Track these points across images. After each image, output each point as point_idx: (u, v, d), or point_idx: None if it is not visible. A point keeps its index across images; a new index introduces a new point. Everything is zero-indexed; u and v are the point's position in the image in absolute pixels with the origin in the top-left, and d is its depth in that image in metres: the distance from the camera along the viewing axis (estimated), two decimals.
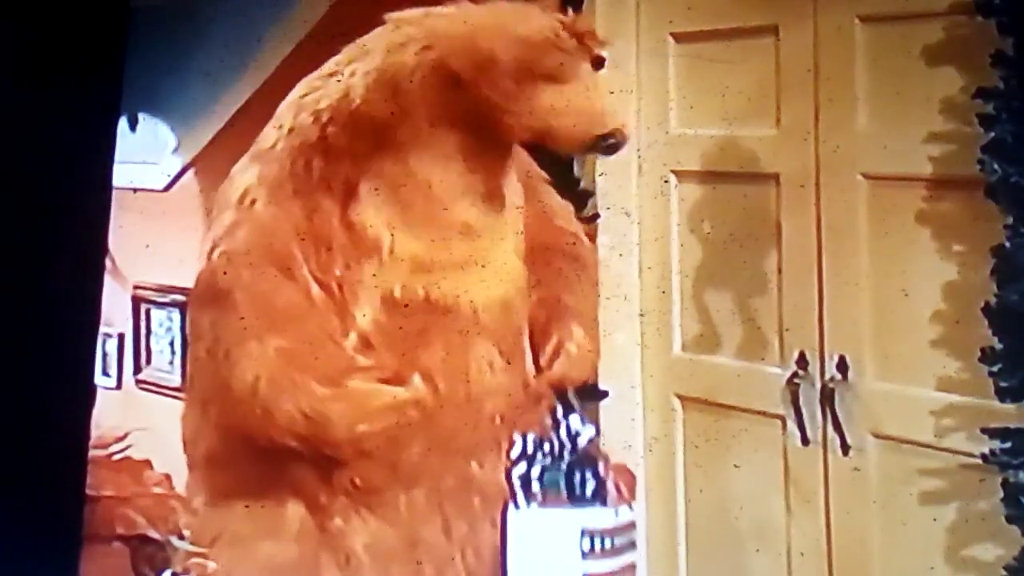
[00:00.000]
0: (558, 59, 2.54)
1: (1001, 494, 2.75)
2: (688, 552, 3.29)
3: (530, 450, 2.67)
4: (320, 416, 2.57)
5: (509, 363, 2.67)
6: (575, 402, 2.75)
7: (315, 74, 2.71)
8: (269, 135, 2.70)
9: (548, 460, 2.67)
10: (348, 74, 2.65)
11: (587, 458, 2.69)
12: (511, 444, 2.69)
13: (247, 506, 2.66)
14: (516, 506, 2.64)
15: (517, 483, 2.65)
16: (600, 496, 2.67)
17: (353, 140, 2.62)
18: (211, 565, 2.67)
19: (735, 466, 3.22)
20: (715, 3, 3.26)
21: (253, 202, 2.66)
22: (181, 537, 2.81)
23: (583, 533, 2.62)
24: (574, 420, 2.72)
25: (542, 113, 2.57)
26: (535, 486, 2.65)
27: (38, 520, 2.84)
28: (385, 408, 2.58)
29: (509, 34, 2.52)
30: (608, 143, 2.60)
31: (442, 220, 2.61)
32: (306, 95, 2.69)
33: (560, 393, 2.75)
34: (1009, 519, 2.74)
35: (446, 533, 2.65)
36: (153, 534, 2.93)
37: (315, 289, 2.62)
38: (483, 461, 2.66)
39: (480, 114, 2.57)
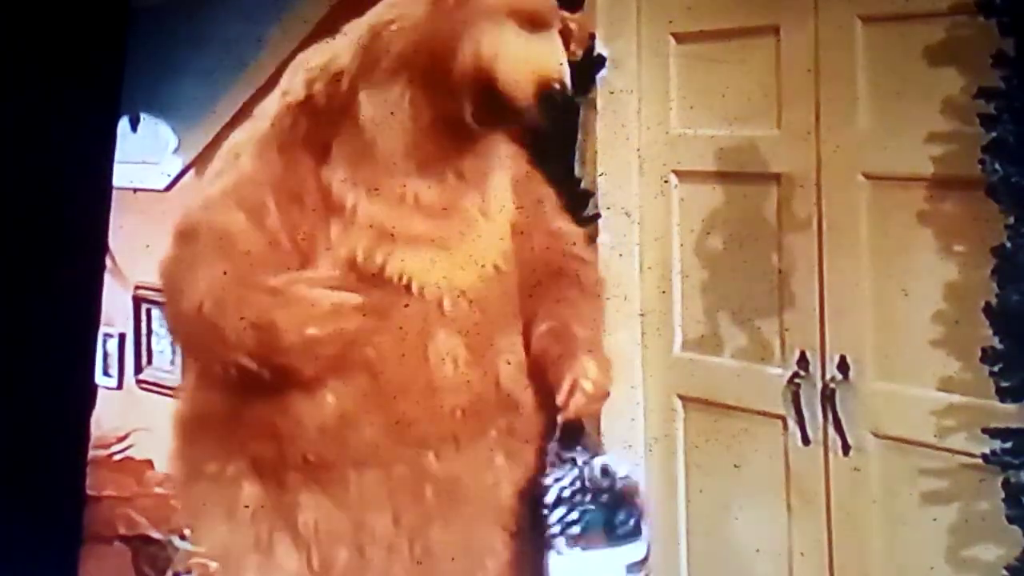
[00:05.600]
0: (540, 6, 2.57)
1: (1002, 494, 2.75)
2: (689, 552, 3.29)
3: (567, 494, 2.68)
4: (266, 323, 2.55)
5: (477, 362, 2.68)
6: (586, 435, 2.76)
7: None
8: (268, 99, 2.75)
9: (586, 501, 2.67)
10: (340, 37, 2.69)
11: (625, 496, 2.70)
12: (475, 442, 2.70)
13: (210, 490, 2.68)
14: (558, 552, 2.65)
15: (557, 528, 2.65)
16: (638, 532, 2.67)
17: (331, 99, 2.65)
18: (212, 565, 2.68)
19: (735, 466, 3.23)
20: (715, 3, 3.26)
21: (238, 156, 2.70)
22: (182, 537, 2.81)
23: (628, 569, 2.64)
24: (609, 459, 2.72)
25: (488, 58, 2.58)
26: (574, 529, 2.65)
27: (38, 520, 2.84)
28: (332, 311, 2.58)
29: None
30: (550, 99, 2.60)
31: (403, 189, 2.63)
32: (305, 56, 2.74)
33: (574, 427, 2.75)
34: (1010, 519, 2.74)
35: (394, 520, 2.66)
36: (154, 534, 2.93)
37: (284, 240, 2.64)
38: (440, 453, 2.67)
39: (437, 71, 2.59)
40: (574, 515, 2.64)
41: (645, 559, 2.69)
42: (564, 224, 2.90)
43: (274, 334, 2.56)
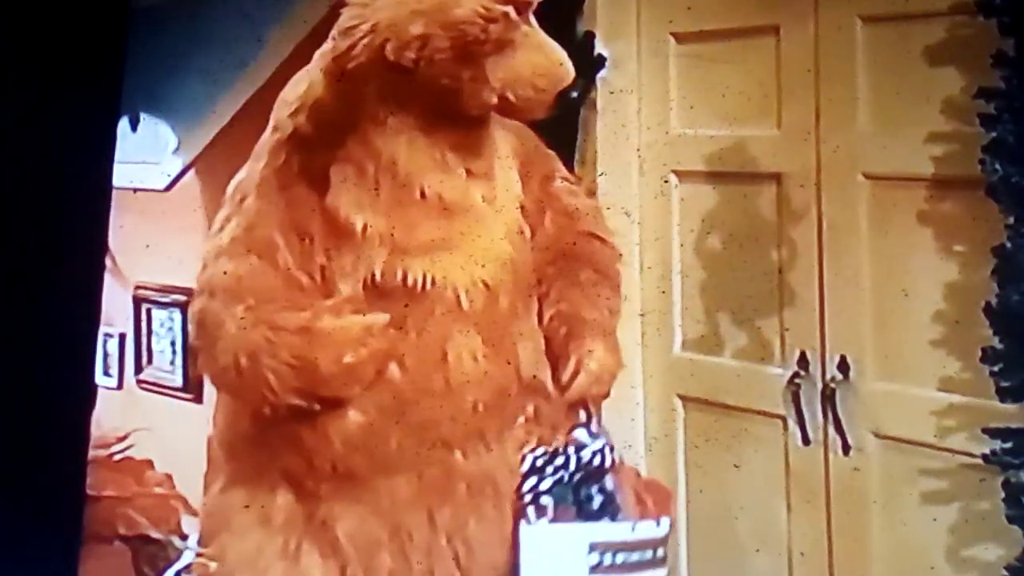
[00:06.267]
0: (494, 32, 2.55)
1: (1002, 494, 2.75)
2: (689, 552, 3.29)
3: (540, 464, 2.67)
4: (304, 361, 2.58)
5: (495, 353, 2.68)
6: (594, 415, 2.75)
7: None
8: (263, 137, 2.76)
9: (558, 474, 2.67)
10: (312, 64, 2.69)
11: (594, 472, 2.69)
12: (502, 435, 2.70)
13: (245, 499, 2.70)
14: (527, 521, 2.65)
15: (528, 497, 2.65)
16: (609, 510, 2.66)
17: (318, 128, 2.66)
18: (212, 565, 2.68)
19: (735, 466, 3.23)
20: (715, 3, 3.26)
21: (243, 198, 2.71)
22: (183, 537, 2.81)
23: (591, 548, 2.62)
24: (580, 433, 2.71)
25: (497, 86, 2.58)
26: (544, 500, 2.65)
27: (38, 520, 2.84)
28: (362, 334, 2.60)
29: (441, 18, 2.53)
30: (573, 96, 2.61)
31: (413, 198, 2.64)
32: (286, 91, 2.74)
33: (581, 408, 2.75)
34: (1010, 519, 2.75)
35: (430, 522, 2.66)
36: (154, 534, 2.93)
37: (303, 278, 2.66)
38: (467, 451, 2.67)
39: (433, 93, 2.59)
40: (544, 485, 2.64)
41: (655, 543, 2.67)
42: (579, 201, 2.90)
43: (313, 371, 2.58)
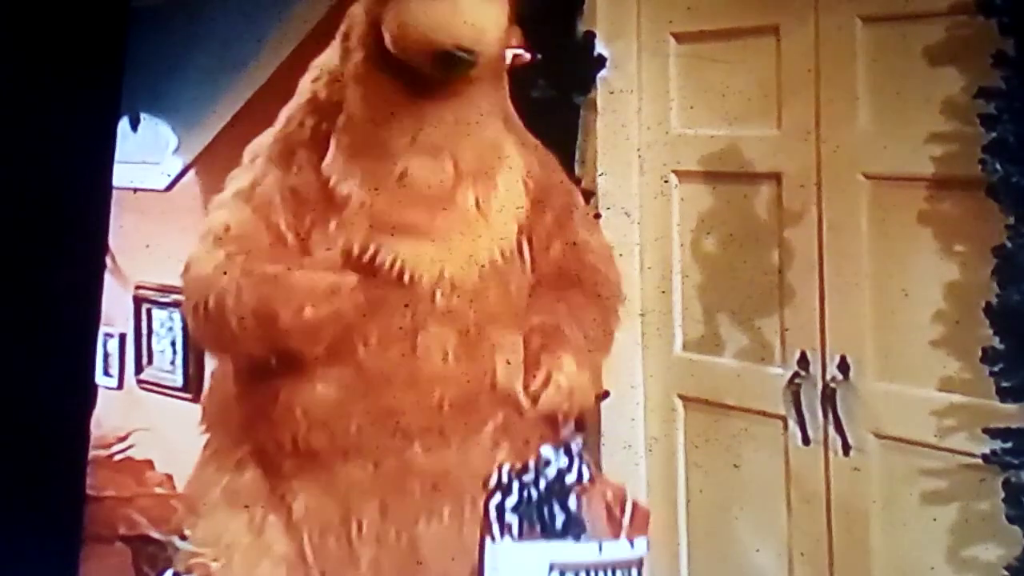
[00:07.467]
0: None
1: (1002, 494, 2.75)
2: (689, 552, 3.30)
3: (505, 480, 2.65)
4: (265, 307, 2.62)
5: (469, 356, 2.69)
6: (565, 431, 2.74)
7: None
8: (289, 103, 2.85)
9: (525, 491, 2.64)
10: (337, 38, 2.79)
11: (559, 489, 2.66)
12: (467, 439, 2.70)
13: (217, 473, 2.73)
14: (492, 539, 2.62)
15: (493, 514, 2.63)
16: (572, 530, 2.63)
17: (331, 95, 2.74)
18: (214, 565, 2.68)
19: (735, 466, 3.23)
20: (715, 3, 3.26)
21: (255, 158, 2.79)
22: (183, 537, 2.81)
23: (551, 568, 2.59)
24: (545, 449, 2.69)
25: (391, 28, 2.61)
26: (509, 517, 2.62)
27: (38, 520, 2.84)
28: (329, 291, 2.62)
29: None
30: (456, 57, 2.60)
31: (396, 171, 2.66)
32: (315, 61, 2.83)
33: (554, 424, 2.75)
34: (1010, 519, 2.74)
35: (382, 513, 2.67)
36: (155, 534, 2.93)
37: (289, 236, 2.69)
38: (427, 446, 2.68)
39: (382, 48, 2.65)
40: (510, 502, 2.62)
41: (627, 563, 2.65)
42: (593, 238, 2.93)
43: (273, 320, 2.61)
